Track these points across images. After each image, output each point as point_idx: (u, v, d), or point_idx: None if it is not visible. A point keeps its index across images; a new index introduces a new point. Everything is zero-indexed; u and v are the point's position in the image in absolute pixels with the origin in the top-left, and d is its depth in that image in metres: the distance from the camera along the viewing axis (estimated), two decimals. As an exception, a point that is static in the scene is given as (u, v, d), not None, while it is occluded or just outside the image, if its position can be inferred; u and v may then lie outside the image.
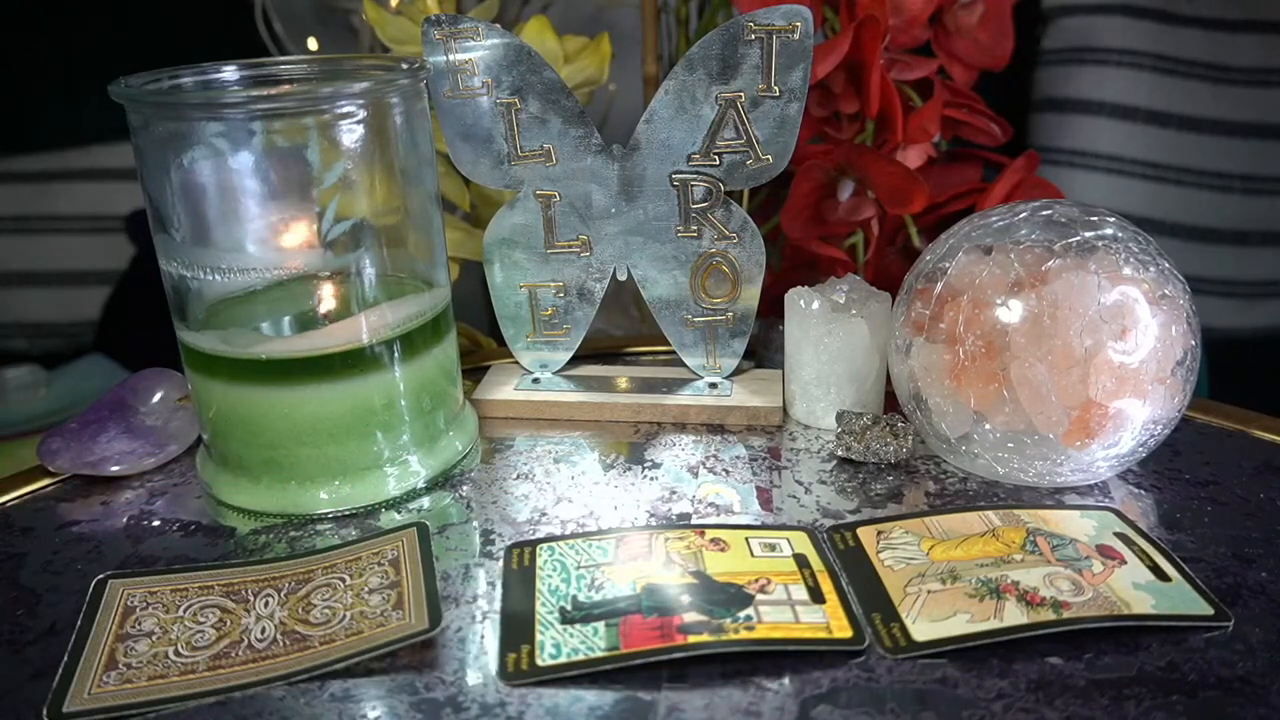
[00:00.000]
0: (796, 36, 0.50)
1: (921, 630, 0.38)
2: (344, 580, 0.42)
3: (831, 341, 0.53)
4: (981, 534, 0.44)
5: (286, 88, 0.49)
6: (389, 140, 0.46)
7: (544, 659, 0.37)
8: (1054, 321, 0.45)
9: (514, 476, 0.51)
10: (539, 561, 0.43)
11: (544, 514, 0.48)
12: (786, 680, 0.37)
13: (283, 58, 0.53)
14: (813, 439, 0.54)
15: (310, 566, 0.43)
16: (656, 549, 0.43)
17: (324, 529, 0.47)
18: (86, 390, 1.11)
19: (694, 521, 0.47)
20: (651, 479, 0.51)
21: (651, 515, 0.47)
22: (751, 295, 0.56)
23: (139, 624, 0.40)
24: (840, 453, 0.51)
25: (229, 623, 0.40)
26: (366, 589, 0.41)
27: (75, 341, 1.22)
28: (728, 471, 0.51)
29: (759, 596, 0.40)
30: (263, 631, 0.39)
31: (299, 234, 0.45)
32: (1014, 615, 0.39)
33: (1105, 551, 0.43)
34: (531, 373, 0.60)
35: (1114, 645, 0.38)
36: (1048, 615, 0.39)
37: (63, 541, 0.47)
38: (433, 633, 0.38)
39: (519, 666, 0.37)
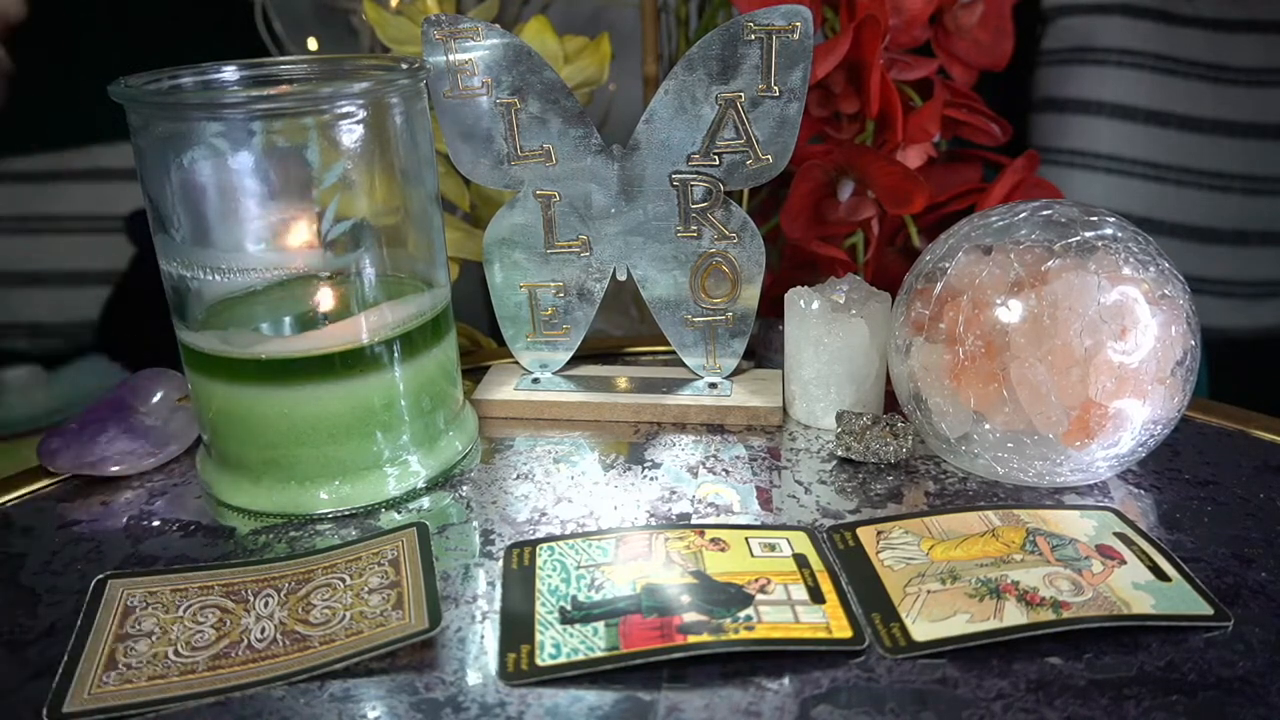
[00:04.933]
0: (796, 36, 0.50)
1: (921, 630, 0.38)
2: (344, 580, 0.42)
3: (831, 341, 0.53)
4: (981, 534, 0.44)
5: (286, 88, 0.49)
6: (389, 140, 0.46)
7: (544, 659, 0.37)
8: (1054, 321, 0.45)
9: (514, 476, 0.51)
10: (539, 561, 0.43)
11: (544, 514, 0.48)
12: (786, 680, 0.37)
13: (283, 58, 0.53)
14: (813, 439, 0.54)
15: (310, 566, 0.43)
16: (656, 549, 0.43)
17: (324, 529, 0.47)
18: (86, 390, 1.11)
19: (694, 521, 0.47)
20: (651, 479, 0.51)
21: (651, 515, 0.47)
22: (751, 295, 0.56)
23: (139, 624, 0.40)
24: (840, 453, 0.51)
25: (229, 623, 0.40)
26: (366, 589, 0.41)
27: (75, 341, 1.22)
28: (727, 471, 0.51)
29: (759, 596, 0.40)
30: (263, 631, 0.39)
31: (299, 234, 0.45)
32: (1014, 615, 0.39)
33: (1105, 551, 0.43)
34: (531, 373, 0.60)
35: (1114, 645, 0.38)
36: (1047, 615, 0.39)
37: (63, 541, 0.47)
38: (433, 633, 0.38)
39: (519, 666, 0.37)
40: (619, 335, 0.83)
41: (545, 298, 0.58)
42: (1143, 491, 0.49)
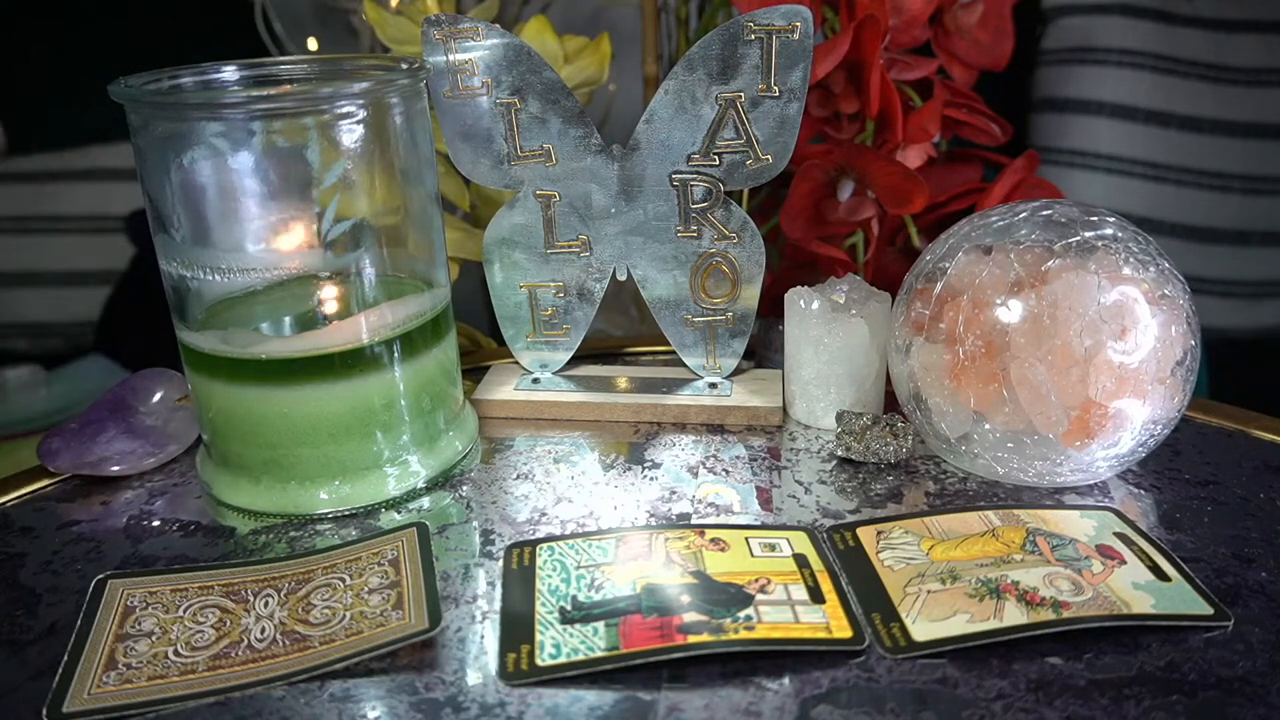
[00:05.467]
0: (796, 36, 0.50)
1: (921, 630, 0.38)
2: (344, 580, 0.42)
3: (831, 341, 0.53)
4: (981, 534, 0.44)
5: (286, 88, 0.49)
6: (389, 140, 0.46)
7: (544, 659, 0.37)
8: (1054, 321, 0.45)
9: (514, 476, 0.51)
10: (539, 561, 0.43)
11: (544, 514, 0.48)
12: (786, 680, 0.37)
13: (283, 58, 0.53)
14: (813, 439, 0.54)
15: (310, 566, 0.43)
16: (656, 549, 0.43)
17: (324, 529, 0.47)
18: (86, 390, 1.11)
19: (694, 521, 0.47)
20: (651, 479, 0.51)
21: (651, 515, 0.47)
22: (751, 295, 0.56)
23: (139, 624, 0.40)
24: (840, 453, 0.51)
25: (229, 623, 0.40)
26: (366, 589, 0.41)
27: (75, 341, 1.22)
28: (728, 471, 0.51)
29: (759, 596, 0.40)
30: (262, 631, 0.39)
31: (299, 234, 0.45)
32: (1014, 615, 0.39)
33: (1105, 551, 0.43)
34: (531, 373, 0.60)
35: (1114, 645, 0.38)
36: (1047, 615, 0.39)
37: (63, 541, 0.47)
38: (433, 633, 0.38)
39: (519, 666, 0.37)
40: (619, 335, 0.83)
41: (545, 298, 0.58)
42: (1143, 491, 0.49)
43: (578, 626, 0.39)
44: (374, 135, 0.46)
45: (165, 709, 0.36)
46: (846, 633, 0.38)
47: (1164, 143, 1.11)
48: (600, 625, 0.39)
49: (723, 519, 0.47)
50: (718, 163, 0.53)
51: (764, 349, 0.62)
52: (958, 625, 0.38)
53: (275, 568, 0.43)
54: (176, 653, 0.38)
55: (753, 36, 0.50)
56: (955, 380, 0.47)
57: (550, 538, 0.45)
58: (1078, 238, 0.47)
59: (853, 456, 0.51)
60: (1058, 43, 1.14)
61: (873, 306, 0.54)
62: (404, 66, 0.48)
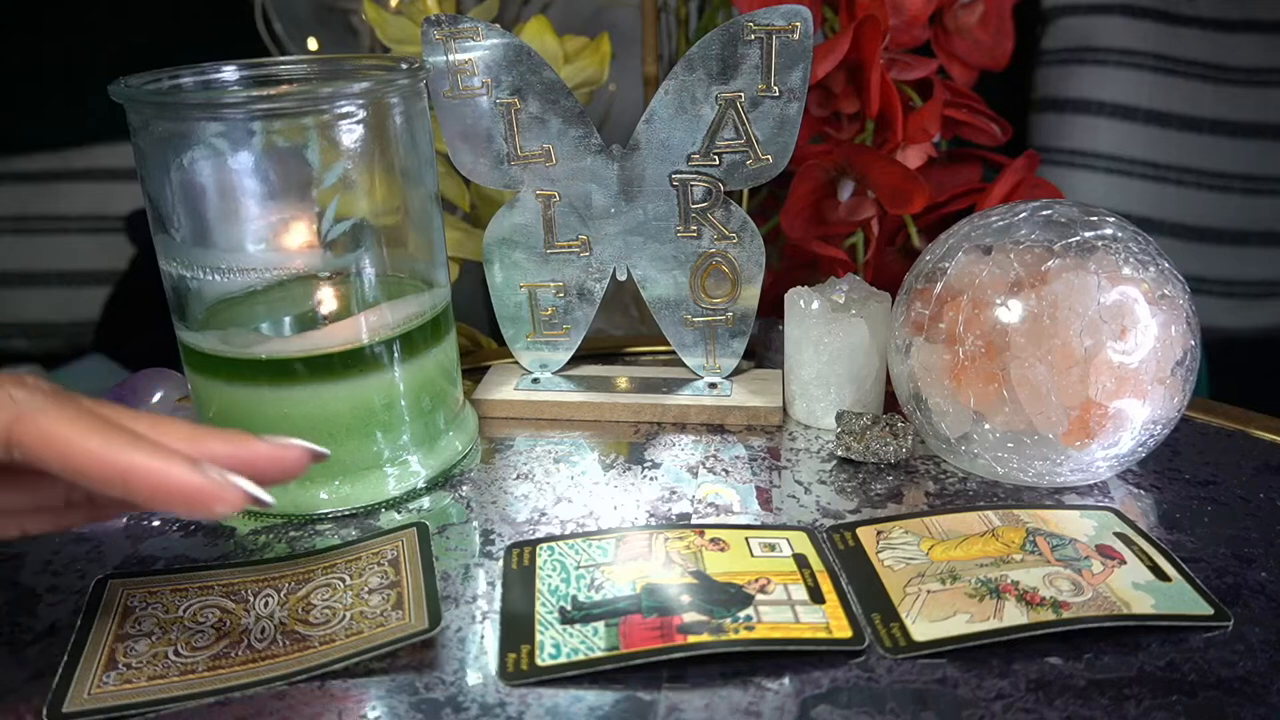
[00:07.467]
0: (796, 36, 0.50)
1: (921, 630, 0.38)
2: (344, 580, 0.42)
3: (831, 341, 0.53)
4: (981, 534, 0.44)
5: (286, 88, 0.49)
6: (389, 140, 0.46)
7: (544, 659, 0.37)
8: (1054, 321, 0.45)
9: (514, 476, 0.51)
10: (539, 561, 0.43)
11: (544, 514, 0.48)
12: (786, 680, 0.37)
13: (283, 58, 0.53)
14: (813, 439, 0.54)
15: (310, 566, 0.43)
16: (656, 549, 0.43)
17: (324, 529, 0.47)
18: (86, 390, 1.11)
19: (694, 521, 0.47)
20: (651, 479, 0.51)
21: (651, 515, 0.47)
22: (751, 295, 0.56)
23: (139, 624, 0.40)
24: (840, 453, 0.51)
25: (229, 623, 0.40)
26: (366, 589, 0.41)
27: (75, 341, 1.22)
28: (727, 471, 0.51)
29: (759, 596, 0.40)
30: (262, 631, 0.39)
31: (299, 234, 0.45)
32: (1014, 615, 0.39)
33: (1105, 551, 0.43)
34: (531, 373, 0.60)
35: (1114, 645, 0.38)
36: (1047, 615, 0.39)
37: (63, 541, 0.47)
38: (433, 633, 0.38)
39: (519, 666, 0.37)
40: (619, 335, 0.83)
41: (545, 298, 0.58)
42: (1143, 491, 0.49)
43: (578, 626, 0.39)
44: (374, 135, 0.46)
45: (165, 709, 0.36)
46: (846, 633, 0.38)
47: (1164, 143, 1.11)
48: (600, 625, 0.39)
49: (723, 519, 0.47)
50: (718, 163, 0.53)
51: (764, 349, 0.62)
52: (958, 625, 0.38)
53: (275, 568, 0.43)
54: (176, 653, 0.38)
55: (752, 36, 0.50)
56: (955, 380, 0.47)
57: (550, 538, 0.45)
58: (1078, 238, 0.47)
59: (853, 456, 0.51)
60: (1058, 43, 1.14)
61: (873, 306, 0.54)
62: (404, 66, 0.48)
